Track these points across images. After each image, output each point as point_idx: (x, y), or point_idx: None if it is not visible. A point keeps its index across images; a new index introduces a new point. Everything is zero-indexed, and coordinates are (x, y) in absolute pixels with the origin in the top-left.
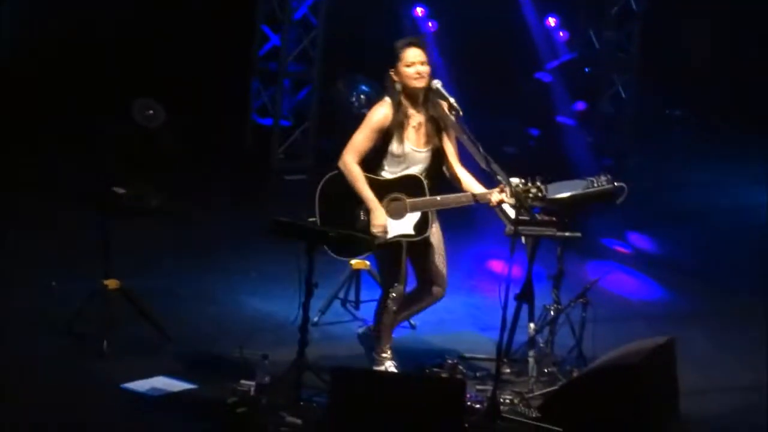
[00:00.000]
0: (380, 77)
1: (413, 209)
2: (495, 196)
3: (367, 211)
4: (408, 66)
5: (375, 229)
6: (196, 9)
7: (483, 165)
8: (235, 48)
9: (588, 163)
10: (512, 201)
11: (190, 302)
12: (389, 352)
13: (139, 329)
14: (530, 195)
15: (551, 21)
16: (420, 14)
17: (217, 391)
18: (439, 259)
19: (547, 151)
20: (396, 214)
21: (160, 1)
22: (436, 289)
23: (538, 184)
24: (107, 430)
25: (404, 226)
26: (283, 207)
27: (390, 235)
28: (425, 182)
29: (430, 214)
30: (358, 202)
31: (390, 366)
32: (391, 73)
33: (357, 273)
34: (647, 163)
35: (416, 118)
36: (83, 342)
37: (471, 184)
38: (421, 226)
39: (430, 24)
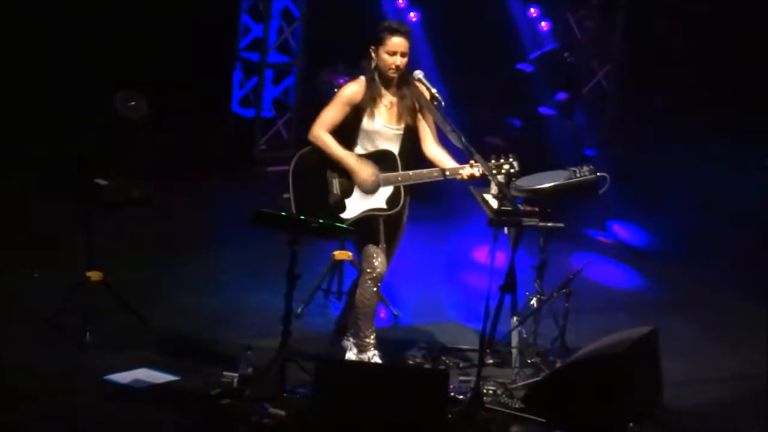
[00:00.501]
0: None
1: (386, 183)
2: (466, 170)
3: (340, 185)
4: (389, 54)
5: (365, 183)
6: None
7: (455, 141)
8: (217, 39)
9: (570, 153)
10: (495, 191)
11: (172, 294)
12: (373, 338)
13: (121, 321)
14: (503, 170)
15: (533, 11)
16: (401, 4)
17: (200, 383)
18: (400, 236)
19: (529, 142)
20: (368, 189)
21: None
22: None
23: (511, 159)
24: (90, 422)
25: (377, 200)
26: (265, 198)
27: (362, 210)
28: (398, 157)
29: (402, 189)
30: (332, 176)
31: (373, 356)
32: (371, 50)
33: (339, 264)
34: (629, 153)
35: (388, 97)
36: (66, 334)
37: (446, 161)
38: (394, 200)
39: (412, 15)
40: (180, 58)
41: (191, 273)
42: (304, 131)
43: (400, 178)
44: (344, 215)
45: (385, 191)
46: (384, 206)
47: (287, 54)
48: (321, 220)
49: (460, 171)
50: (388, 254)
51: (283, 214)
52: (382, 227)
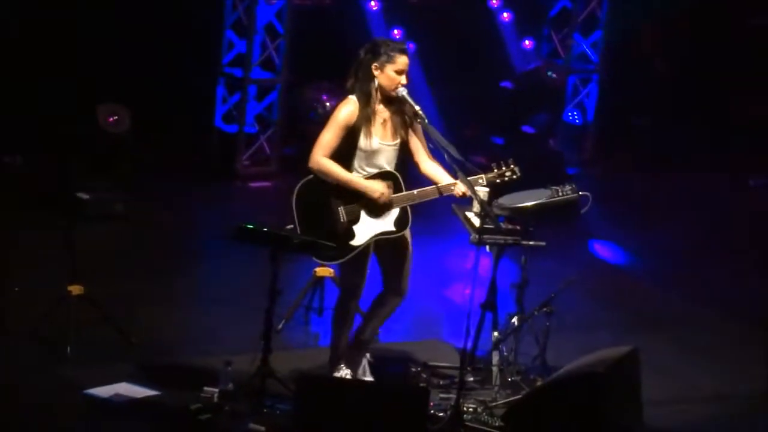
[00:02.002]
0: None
1: (396, 204)
2: (459, 187)
3: (347, 212)
4: (398, 72)
5: (380, 200)
6: (163, 14)
7: (447, 158)
8: (201, 54)
9: (552, 172)
10: (477, 209)
11: (154, 308)
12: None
13: (102, 335)
14: (505, 177)
15: (527, 43)
16: (396, 34)
17: (180, 398)
18: (409, 257)
19: (511, 160)
20: (375, 212)
21: (126, 5)
22: (402, 291)
23: (512, 165)
24: None
25: (385, 223)
26: (247, 213)
27: (372, 235)
28: (399, 177)
29: (408, 209)
30: (337, 204)
31: (346, 373)
32: (373, 66)
33: (321, 280)
34: (612, 171)
35: (383, 113)
36: (47, 347)
37: (441, 176)
38: (402, 221)
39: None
40: (164, 72)
41: (173, 287)
42: (287, 147)
43: (406, 198)
44: (354, 242)
45: (393, 213)
46: (393, 228)
47: (271, 70)
48: (303, 237)
49: (453, 188)
50: (403, 276)
51: (265, 229)
52: (370, 253)
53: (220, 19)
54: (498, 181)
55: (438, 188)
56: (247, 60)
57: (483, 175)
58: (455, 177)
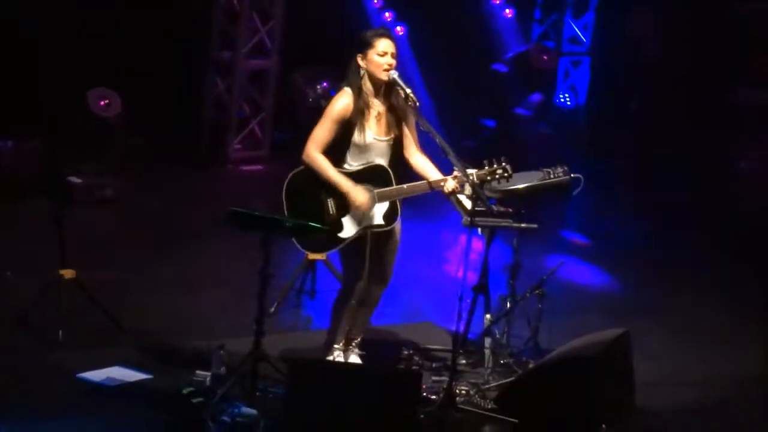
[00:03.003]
0: (338, 69)
1: (381, 199)
2: (449, 183)
3: (336, 205)
4: (381, 55)
5: (360, 208)
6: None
7: (440, 143)
8: (192, 38)
9: (544, 154)
10: (469, 192)
11: (145, 292)
12: (339, 345)
13: (94, 319)
14: (497, 175)
15: (507, 12)
16: (387, 17)
17: (172, 382)
18: (396, 247)
19: (503, 143)
20: (364, 211)
21: None
22: (385, 280)
23: (504, 163)
24: (63, 420)
25: (374, 216)
26: (239, 197)
27: (360, 227)
28: (390, 171)
29: (398, 202)
30: (326, 196)
31: (339, 356)
32: (358, 59)
33: (313, 263)
34: (604, 155)
35: (376, 107)
36: (39, 332)
37: (429, 171)
38: (390, 215)
39: (399, 29)
40: (155, 56)
41: (164, 271)
42: (278, 132)
43: (395, 193)
44: (342, 234)
45: (381, 207)
46: (382, 222)
47: (262, 54)
48: (294, 220)
49: (443, 184)
50: (387, 264)
51: (257, 213)
52: (368, 247)
53: (211, 3)
54: (488, 178)
55: (429, 183)
56: (239, 45)
57: (474, 172)
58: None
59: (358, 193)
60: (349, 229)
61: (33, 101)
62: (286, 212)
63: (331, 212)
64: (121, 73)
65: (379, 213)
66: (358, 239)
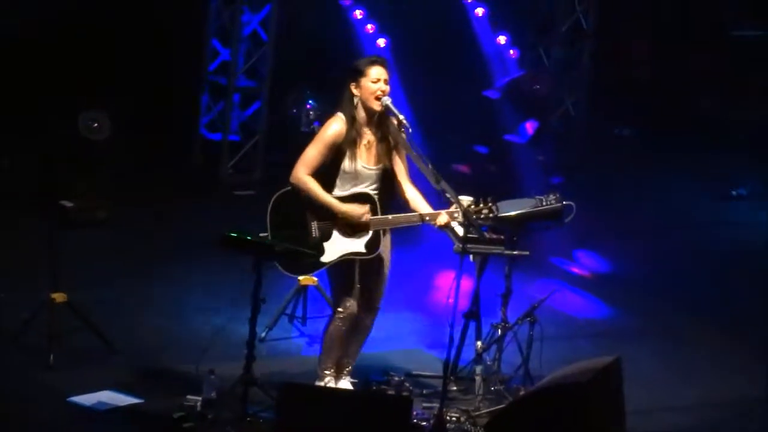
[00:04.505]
0: (330, 93)
1: (373, 227)
2: (441, 218)
3: (318, 228)
4: (374, 82)
5: (363, 219)
6: (147, 21)
7: (433, 183)
8: (185, 62)
9: (537, 181)
10: (461, 219)
11: (137, 315)
12: (331, 371)
13: (85, 342)
14: (482, 215)
15: (501, 39)
16: (369, 30)
17: (163, 406)
18: (385, 275)
19: (496, 169)
20: (348, 232)
21: (113, 11)
22: (374, 308)
23: (490, 204)
24: None
25: (356, 244)
26: (231, 221)
27: (342, 254)
28: (377, 201)
29: (381, 232)
30: (310, 219)
31: (330, 382)
32: (352, 86)
33: (304, 289)
34: (596, 181)
35: (368, 136)
36: (30, 354)
37: (419, 203)
38: (372, 244)
39: (381, 41)
40: (148, 80)
41: (156, 295)
42: (271, 155)
43: (382, 223)
44: (323, 259)
45: (365, 235)
46: (363, 250)
47: (255, 78)
48: (286, 245)
49: (436, 218)
50: (376, 293)
51: (249, 238)
52: (357, 270)
53: (205, 27)
54: (474, 216)
55: (420, 216)
56: (232, 68)
57: (465, 199)
58: (441, 200)
59: (354, 210)
60: (330, 254)
61: (26, 122)
62: (268, 231)
63: (314, 235)
64: (114, 95)
65: (361, 241)
66: (347, 266)
